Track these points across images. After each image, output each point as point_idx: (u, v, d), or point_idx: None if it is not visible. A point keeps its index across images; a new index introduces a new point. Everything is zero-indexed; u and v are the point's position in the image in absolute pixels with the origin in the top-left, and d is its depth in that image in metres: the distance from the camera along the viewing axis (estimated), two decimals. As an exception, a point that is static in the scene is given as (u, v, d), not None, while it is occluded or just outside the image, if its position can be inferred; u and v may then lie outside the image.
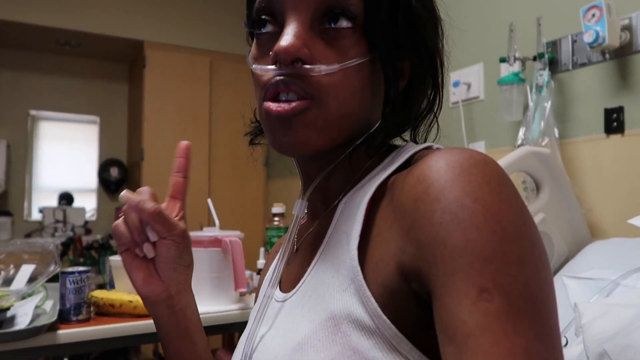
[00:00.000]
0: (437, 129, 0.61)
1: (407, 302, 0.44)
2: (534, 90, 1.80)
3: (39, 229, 3.74)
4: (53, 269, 1.46)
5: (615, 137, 1.63)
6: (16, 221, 3.86)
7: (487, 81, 2.13)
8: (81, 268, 1.35)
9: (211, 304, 1.46)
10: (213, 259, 1.45)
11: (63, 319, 1.31)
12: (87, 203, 4.18)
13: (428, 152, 0.50)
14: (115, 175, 4.20)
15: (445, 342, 0.39)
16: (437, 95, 0.59)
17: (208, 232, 1.50)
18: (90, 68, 4.18)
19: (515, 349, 0.36)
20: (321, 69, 0.50)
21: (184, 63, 3.80)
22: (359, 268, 0.47)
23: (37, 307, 1.33)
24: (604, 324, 0.91)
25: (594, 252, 1.42)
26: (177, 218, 0.64)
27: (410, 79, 0.57)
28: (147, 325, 1.36)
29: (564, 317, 0.95)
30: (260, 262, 1.81)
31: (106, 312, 1.41)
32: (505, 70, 1.96)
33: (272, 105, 0.51)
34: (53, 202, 4.03)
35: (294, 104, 0.50)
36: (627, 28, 1.59)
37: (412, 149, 0.55)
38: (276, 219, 1.75)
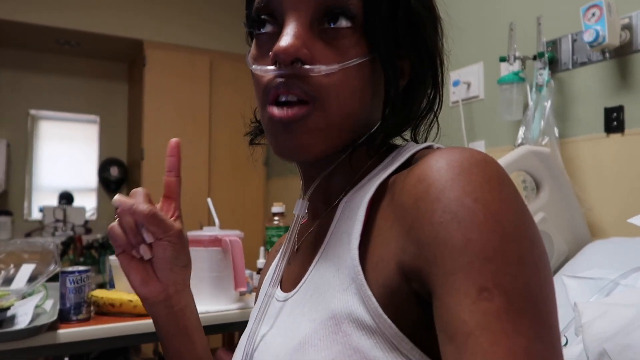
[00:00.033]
0: (437, 129, 0.61)
1: (408, 302, 0.44)
2: (533, 89, 1.80)
3: (39, 228, 3.74)
4: (53, 268, 1.46)
5: (615, 137, 1.63)
6: (16, 220, 3.86)
7: (487, 80, 2.13)
8: (81, 267, 1.35)
9: (211, 303, 1.46)
10: (213, 259, 1.46)
11: (63, 318, 1.31)
12: (87, 202, 4.18)
13: (428, 152, 0.50)
14: (116, 175, 4.20)
15: (446, 342, 0.39)
16: (437, 95, 0.59)
17: (208, 232, 1.50)
18: (90, 67, 4.18)
19: (515, 349, 0.36)
20: (321, 69, 0.50)
21: (183, 62, 3.80)
22: (359, 267, 0.47)
23: (37, 306, 1.33)
24: (603, 323, 0.91)
25: (593, 252, 1.42)
26: (172, 218, 0.64)
27: (410, 79, 0.57)
28: (147, 324, 1.36)
29: (563, 317, 0.95)
30: (260, 262, 1.81)
31: (106, 311, 1.41)
32: (505, 69, 1.96)
33: (275, 111, 0.51)
34: (53, 201, 4.03)
35: (295, 110, 0.51)
36: (627, 27, 1.59)
37: (413, 148, 0.55)
38: (276, 218, 1.75)
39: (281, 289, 0.60)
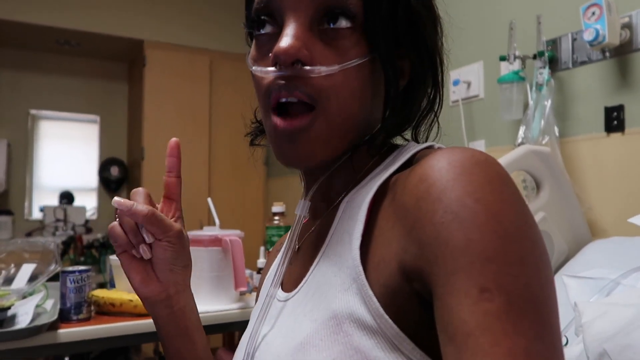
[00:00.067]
0: (438, 128, 0.61)
1: (409, 302, 0.44)
2: (534, 88, 1.79)
3: (39, 228, 3.75)
4: (54, 268, 1.46)
5: (616, 136, 1.63)
6: (17, 220, 3.86)
7: (487, 80, 2.13)
8: (82, 267, 1.35)
9: (211, 303, 1.46)
10: (213, 258, 1.46)
11: (63, 318, 1.32)
12: (88, 202, 4.18)
13: (429, 152, 0.50)
14: (116, 174, 4.20)
15: (446, 342, 0.39)
16: (438, 95, 0.59)
17: (208, 232, 1.50)
18: (90, 67, 4.18)
19: (516, 349, 0.36)
20: (321, 70, 0.50)
21: (183, 62, 3.80)
22: (361, 268, 0.47)
23: (37, 306, 1.33)
24: (604, 323, 0.91)
25: (594, 251, 1.42)
26: (173, 219, 0.64)
27: (410, 78, 0.57)
28: (147, 324, 1.36)
29: (564, 317, 0.95)
30: (261, 261, 1.81)
31: (107, 311, 1.41)
32: (505, 68, 1.96)
33: (278, 121, 0.52)
34: (54, 201, 4.04)
35: (298, 120, 0.51)
36: (627, 26, 1.59)
37: (414, 148, 0.55)
38: (276, 217, 1.75)
39: (282, 289, 0.60)
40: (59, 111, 4.15)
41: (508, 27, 1.88)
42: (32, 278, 1.43)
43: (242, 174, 3.91)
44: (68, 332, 1.26)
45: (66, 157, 4.28)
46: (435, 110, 0.60)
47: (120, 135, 4.30)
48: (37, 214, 3.98)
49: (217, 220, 1.56)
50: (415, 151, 0.55)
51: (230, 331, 2.74)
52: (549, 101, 1.74)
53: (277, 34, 0.52)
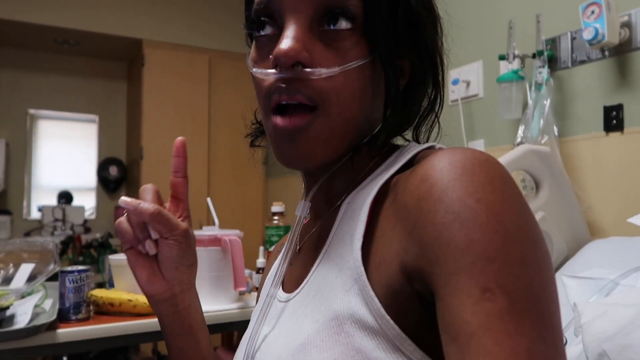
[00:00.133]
0: (439, 129, 0.61)
1: (410, 302, 0.44)
2: (533, 88, 1.80)
3: (38, 227, 3.74)
4: (52, 268, 1.46)
5: (615, 135, 1.63)
6: (15, 220, 3.86)
7: (487, 79, 2.13)
8: (81, 267, 1.35)
9: (211, 302, 1.46)
10: (212, 258, 1.45)
11: (62, 317, 1.31)
12: (87, 202, 4.18)
13: (431, 152, 0.50)
14: (115, 174, 4.20)
15: (448, 342, 0.39)
16: (439, 95, 0.59)
17: (207, 231, 1.50)
18: (89, 67, 4.18)
19: (518, 349, 0.36)
20: (321, 72, 0.50)
21: (182, 61, 3.79)
22: (362, 268, 0.47)
23: (36, 306, 1.33)
24: (603, 323, 0.91)
25: (593, 251, 1.42)
26: (180, 218, 0.64)
27: (410, 78, 0.57)
28: (146, 324, 1.36)
29: (563, 317, 0.95)
30: (260, 261, 1.81)
31: (105, 311, 1.41)
32: (505, 67, 1.96)
33: (279, 120, 0.51)
34: (52, 200, 4.03)
35: (298, 119, 0.51)
36: (627, 25, 1.59)
37: (415, 148, 0.55)
38: (276, 217, 1.75)
39: (283, 289, 0.60)
40: (58, 111, 4.14)
41: (507, 26, 1.88)
42: (31, 278, 1.43)
43: (242, 173, 3.91)
44: (67, 332, 1.26)
45: (65, 157, 4.27)
46: (436, 110, 0.60)
47: (119, 134, 4.29)
48: (35, 214, 3.98)
49: (216, 220, 1.56)
50: (416, 152, 0.54)
51: (230, 331, 2.73)
52: (548, 100, 1.74)
53: (277, 36, 0.52)
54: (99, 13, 3.57)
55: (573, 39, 1.76)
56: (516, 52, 1.85)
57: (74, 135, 4.34)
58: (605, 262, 1.30)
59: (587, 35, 1.56)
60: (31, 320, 1.22)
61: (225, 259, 1.46)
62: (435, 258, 0.41)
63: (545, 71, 1.76)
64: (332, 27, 0.51)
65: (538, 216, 1.50)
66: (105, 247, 3.20)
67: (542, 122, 1.73)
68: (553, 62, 1.81)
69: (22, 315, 1.23)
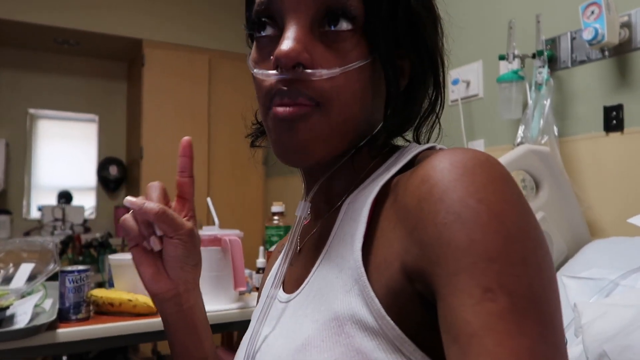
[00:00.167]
0: (439, 129, 0.61)
1: (411, 303, 0.44)
2: (533, 88, 1.80)
3: (38, 227, 3.74)
4: (52, 267, 1.46)
5: (615, 135, 1.63)
6: (15, 219, 3.86)
7: (486, 79, 2.13)
8: (81, 267, 1.35)
9: (210, 302, 1.46)
10: (212, 258, 1.45)
11: (62, 317, 1.31)
12: (86, 201, 4.18)
13: (431, 153, 0.50)
14: (114, 174, 4.19)
15: (449, 343, 0.39)
16: (439, 95, 0.59)
17: (207, 231, 1.50)
18: (89, 67, 4.18)
19: (519, 349, 0.36)
20: (322, 73, 0.50)
21: (182, 61, 3.79)
22: (363, 269, 0.47)
23: (36, 305, 1.33)
24: (603, 324, 0.91)
25: (593, 251, 1.42)
26: (185, 218, 0.65)
27: (410, 79, 0.57)
28: (146, 324, 1.36)
29: (563, 318, 0.95)
30: (260, 261, 1.81)
31: (105, 310, 1.41)
32: (505, 67, 1.96)
33: (279, 109, 0.51)
34: (52, 200, 4.03)
35: (298, 108, 0.50)
36: (627, 25, 1.59)
37: (415, 149, 0.55)
38: (276, 217, 1.75)
39: (283, 290, 0.60)
40: (58, 110, 4.15)
41: (507, 26, 1.88)
42: (31, 278, 1.43)
43: (242, 173, 3.91)
44: (66, 332, 1.26)
45: (65, 157, 4.27)
46: (437, 111, 0.60)
47: (119, 134, 4.29)
48: (35, 214, 3.98)
49: (216, 220, 1.56)
50: (417, 152, 0.54)
51: (229, 331, 2.73)
52: (548, 100, 1.74)
53: (278, 37, 0.52)
54: (99, 13, 3.57)
55: (573, 39, 1.76)
56: (516, 52, 1.85)
57: (74, 135, 4.34)
58: (605, 263, 1.30)
59: (587, 35, 1.56)
60: (31, 320, 1.22)
61: (225, 259, 1.46)
62: (436, 258, 0.41)
63: (545, 71, 1.76)
64: (332, 28, 0.51)
65: (538, 216, 1.50)
66: (105, 246, 3.19)
67: (542, 122, 1.73)
68: (553, 62, 1.81)
69: (22, 315, 1.23)
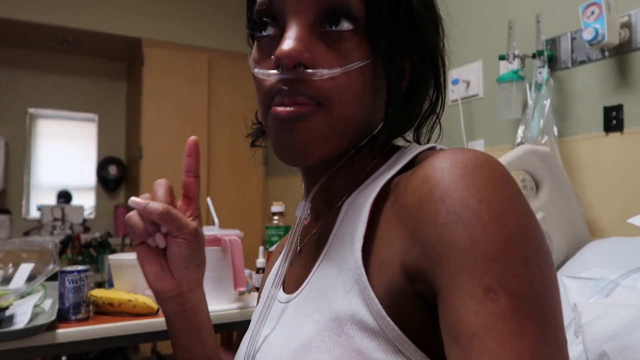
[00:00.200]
0: (440, 129, 0.61)
1: (412, 303, 0.44)
2: (533, 88, 1.79)
3: (37, 227, 3.74)
4: (52, 267, 1.46)
5: (615, 135, 1.63)
6: (14, 219, 3.85)
7: (486, 79, 2.13)
8: (80, 267, 1.35)
9: (210, 302, 1.44)
10: (212, 258, 1.45)
11: (62, 318, 1.31)
12: (86, 201, 4.17)
13: (432, 153, 0.50)
14: (114, 173, 4.19)
15: (450, 343, 0.39)
16: (440, 96, 0.59)
17: (207, 231, 1.50)
18: (88, 66, 4.18)
19: (521, 349, 0.36)
20: (323, 73, 0.50)
21: (182, 61, 3.79)
22: (363, 269, 0.47)
23: (36, 306, 1.33)
24: (603, 324, 0.91)
25: (593, 251, 1.42)
26: (190, 217, 0.65)
27: (411, 79, 0.57)
28: (145, 324, 1.36)
29: (564, 317, 0.95)
30: (260, 261, 1.81)
31: (105, 311, 1.41)
32: (505, 67, 1.96)
33: (279, 109, 0.51)
34: (51, 200, 4.03)
35: (299, 107, 0.50)
36: (627, 25, 1.59)
37: (416, 149, 0.55)
38: (275, 217, 1.75)
39: (283, 290, 0.60)
40: (57, 110, 4.14)
41: (507, 26, 1.88)
42: (31, 278, 1.43)
43: (241, 173, 3.91)
44: (66, 332, 1.26)
45: (64, 156, 4.27)
46: (437, 111, 0.60)
47: (119, 134, 4.29)
48: (34, 213, 3.98)
49: (216, 220, 1.56)
50: (417, 152, 0.54)
51: (229, 331, 2.73)
52: (548, 100, 1.73)
53: (279, 36, 0.52)
54: (99, 12, 3.57)
55: (573, 39, 1.76)
56: (516, 52, 1.85)
57: (73, 135, 4.34)
58: (605, 263, 1.30)
59: (587, 35, 1.56)
60: (31, 320, 1.22)
61: (225, 259, 1.46)
62: (437, 259, 0.41)
63: (545, 71, 1.76)
64: (334, 28, 0.51)
65: (538, 216, 1.50)
66: (104, 246, 3.20)
67: (542, 122, 1.73)
68: (553, 62, 1.81)
69: (22, 315, 1.23)
